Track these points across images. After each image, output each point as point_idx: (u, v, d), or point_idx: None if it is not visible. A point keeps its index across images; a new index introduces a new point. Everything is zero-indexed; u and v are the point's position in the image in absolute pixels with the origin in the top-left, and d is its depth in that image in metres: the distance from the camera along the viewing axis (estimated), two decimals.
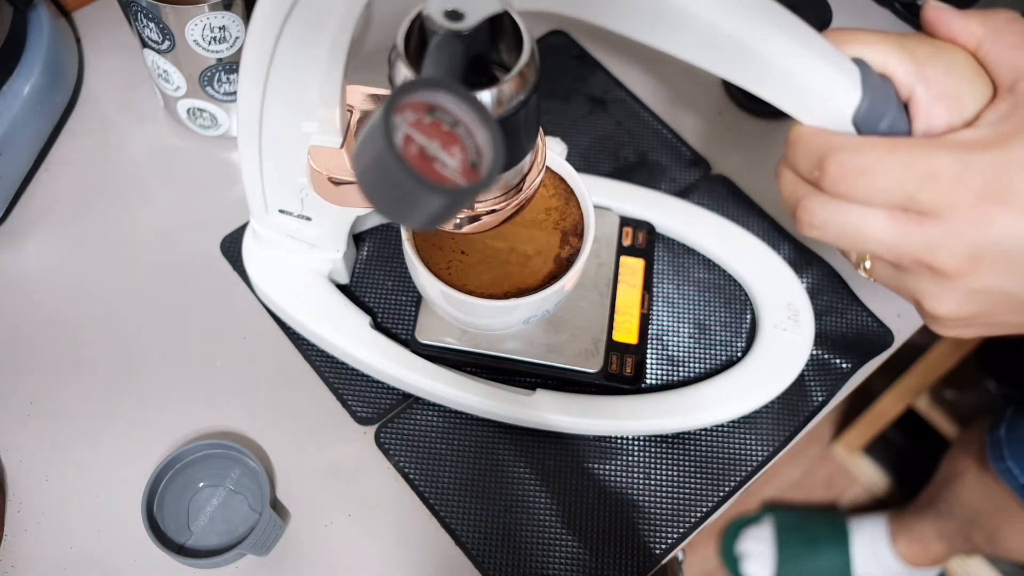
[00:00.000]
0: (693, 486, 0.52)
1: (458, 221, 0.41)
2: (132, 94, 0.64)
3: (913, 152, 0.31)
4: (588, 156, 0.63)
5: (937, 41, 0.34)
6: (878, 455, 1.32)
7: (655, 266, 0.58)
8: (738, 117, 0.66)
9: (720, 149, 0.64)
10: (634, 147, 0.64)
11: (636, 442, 0.53)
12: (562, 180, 0.49)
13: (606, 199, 0.58)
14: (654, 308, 0.57)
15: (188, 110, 0.60)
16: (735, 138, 0.65)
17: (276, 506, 0.50)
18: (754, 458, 0.53)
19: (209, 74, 0.56)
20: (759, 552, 1.22)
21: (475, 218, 0.41)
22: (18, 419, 0.52)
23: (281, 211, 0.49)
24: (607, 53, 0.68)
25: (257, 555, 0.48)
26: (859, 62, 0.33)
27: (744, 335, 0.56)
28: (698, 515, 0.51)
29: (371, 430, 0.53)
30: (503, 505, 0.51)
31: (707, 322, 0.57)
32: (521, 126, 0.36)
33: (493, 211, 0.41)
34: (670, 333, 0.56)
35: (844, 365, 0.56)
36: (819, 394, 0.55)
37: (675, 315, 0.57)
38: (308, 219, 0.49)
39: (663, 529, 0.50)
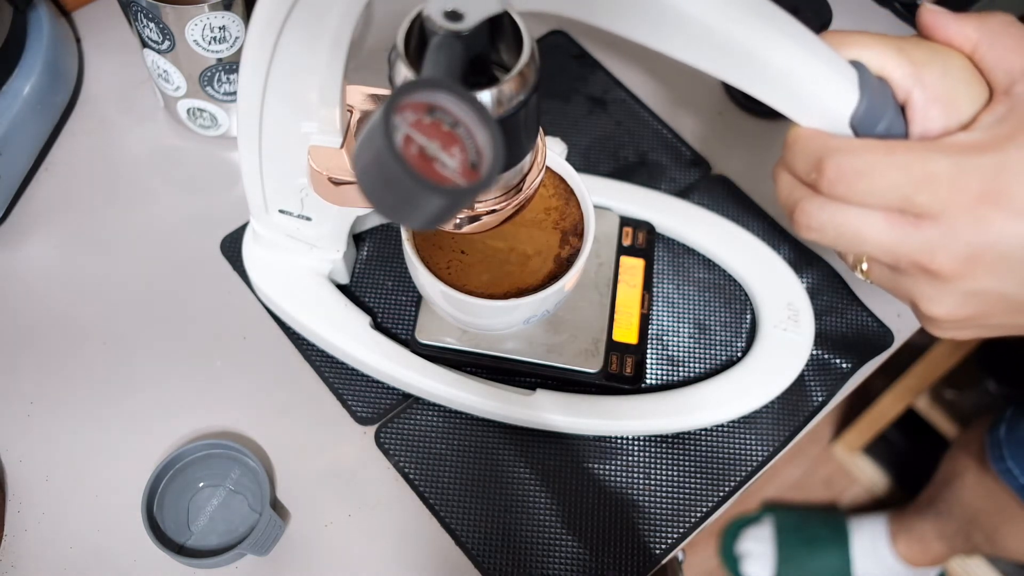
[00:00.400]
0: (693, 486, 0.52)
1: (458, 221, 0.41)
2: (132, 94, 0.64)
3: (910, 155, 0.31)
4: (588, 156, 0.63)
5: (934, 44, 0.35)
6: (878, 455, 1.32)
7: (655, 266, 0.58)
8: (738, 117, 0.66)
9: (720, 149, 0.64)
10: (634, 147, 0.63)
11: (636, 442, 0.53)
12: (562, 180, 0.49)
13: (606, 199, 0.58)
14: (654, 308, 0.57)
15: (188, 110, 0.60)
16: (735, 138, 0.65)
17: (276, 506, 0.50)
18: (754, 458, 0.53)
19: (209, 74, 0.56)
20: (759, 552, 1.22)
21: (475, 218, 0.41)
22: (18, 419, 0.52)
23: (281, 211, 0.49)
24: (607, 53, 0.68)
25: (257, 555, 0.48)
26: (857, 64, 0.33)
27: (744, 335, 0.56)
28: (698, 515, 0.51)
29: (371, 430, 0.53)
30: (503, 505, 0.51)
31: (707, 322, 0.57)
32: (521, 126, 0.36)
33: (493, 211, 0.41)
34: (670, 333, 0.56)
35: (844, 365, 0.56)
36: (819, 394, 0.55)
37: (675, 315, 0.57)
38: (308, 219, 0.49)
39: (663, 529, 0.50)
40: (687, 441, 0.53)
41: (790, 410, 0.54)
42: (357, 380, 0.54)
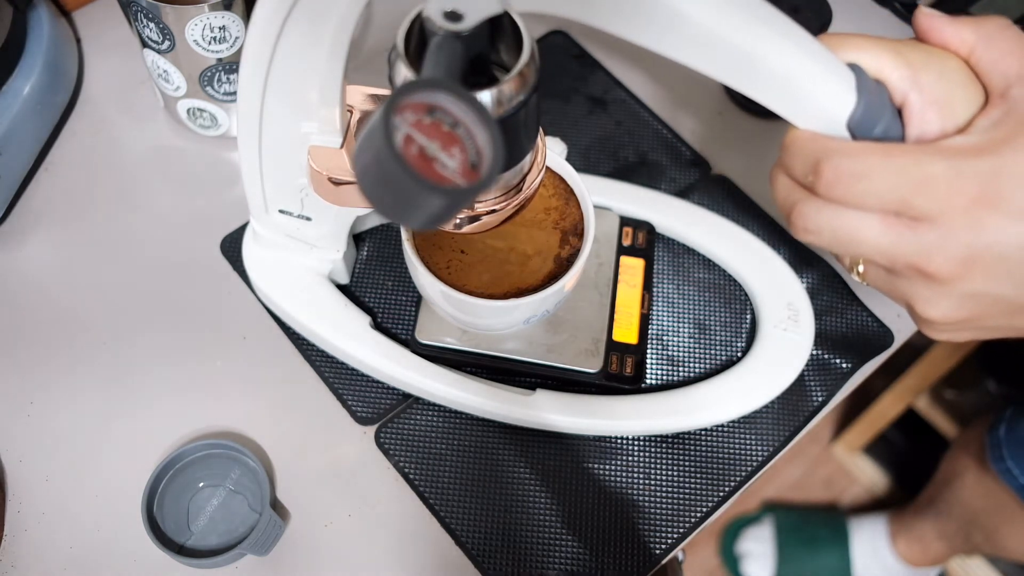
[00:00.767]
0: (693, 486, 0.52)
1: (458, 221, 0.41)
2: (132, 94, 0.64)
3: (907, 158, 0.31)
4: (588, 156, 0.63)
5: (930, 47, 0.35)
6: (878, 455, 1.32)
7: (655, 266, 0.58)
8: (738, 117, 0.66)
9: (720, 149, 0.64)
10: (634, 147, 0.64)
11: (636, 442, 0.53)
12: (562, 180, 0.49)
13: (606, 199, 0.58)
14: (654, 308, 0.57)
15: (188, 110, 0.60)
16: (735, 138, 0.65)
17: (276, 506, 0.50)
18: (754, 458, 0.53)
19: (209, 74, 0.56)
20: (759, 552, 1.22)
21: (475, 218, 0.41)
22: (18, 419, 0.52)
23: (281, 211, 0.49)
24: (607, 53, 0.68)
25: (257, 555, 0.48)
26: (854, 67, 0.33)
27: (744, 335, 0.56)
28: (698, 515, 0.51)
29: (371, 430, 0.53)
30: (503, 505, 0.51)
31: (707, 322, 0.57)
32: (521, 126, 0.36)
33: (493, 211, 0.41)
34: (670, 333, 0.56)
35: (844, 365, 0.56)
36: (819, 394, 0.55)
37: (675, 315, 0.57)
38: (308, 219, 0.49)
39: (663, 529, 0.50)
40: (687, 441, 0.53)
41: (790, 410, 0.54)
42: (357, 380, 0.54)
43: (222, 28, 0.53)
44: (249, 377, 0.54)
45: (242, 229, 0.58)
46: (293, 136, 0.43)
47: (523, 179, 0.41)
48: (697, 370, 0.55)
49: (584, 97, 0.66)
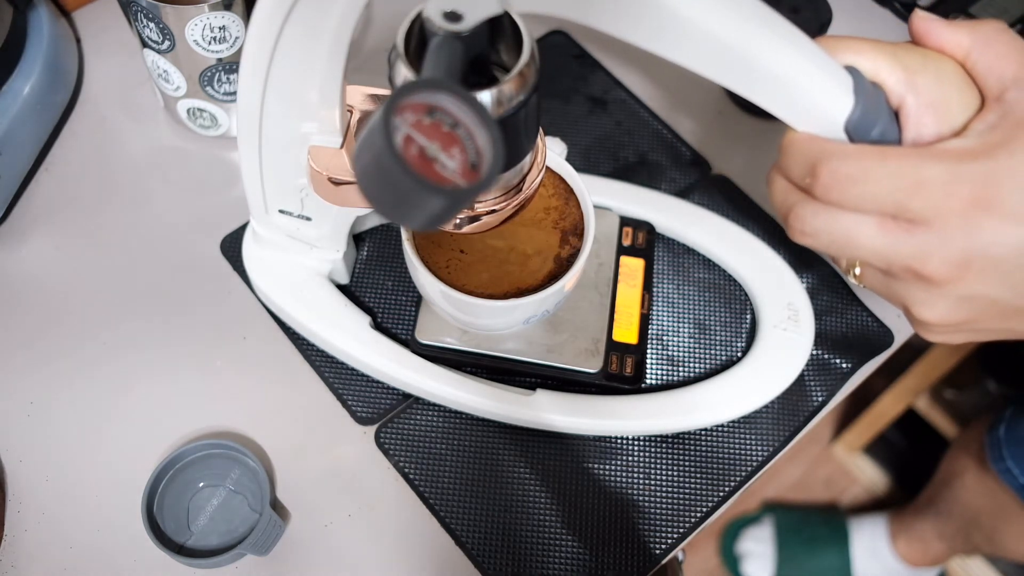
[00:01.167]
0: (693, 486, 0.52)
1: (458, 221, 0.41)
2: (132, 94, 0.64)
3: (904, 161, 0.31)
4: (588, 156, 0.63)
5: (927, 51, 0.35)
6: (878, 455, 1.32)
7: (655, 266, 0.58)
8: (738, 117, 0.66)
9: (720, 149, 0.64)
10: (634, 147, 0.64)
11: (636, 442, 0.53)
12: (562, 180, 0.49)
13: (606, 199, 0.58)
14: (654, 308, 0.57)
15: (188, 110, 0.60)
16: (735, 138, 0.65)
17: (276, 506, 0.50)
18: (754, 458, 0.53)
19: (209, 74, 0.56)
20: (759, 552, 1.22)
21: (475, 218, 0.41)
22: (18, 419, 0.52)
23: (281, 211, 0.49)
24: (607, 53, 0.68)
25: (257, 555, 0.48)
26: (852, 70, 0.34)
27: (744, 335, 0.56)
28: (698, 515, 0.51)
29: (371, 430, 0.53)
30: (503, 505, 0.51)
31: (707, 322, 0.57)
32: (521, 126, 0.36)
33: (493, 211, 0.41)
34: (670, 333, 0.56)
35: (844, 365, 0.56)
36: (819, 394, 0.55)
37: (675, 315, 0.57)
38: (308, 219, 0.49)
39: (663, 529, 0.50)
40: (687, 441, 0.53)
41: (790, 410, 0.54)
42: (357, 380, 0.54)
43: (222, 28, 0.53)
44: (249, 377, 0.54)
45: (242, 229, 0.58)
46: (293, 136, 0.43)
47: (523, 179, 0.41)
48: (697, 370, 0.55)
49: (584, 97, 0.66)
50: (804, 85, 0.32)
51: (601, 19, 0.31)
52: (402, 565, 0.49)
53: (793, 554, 1.21)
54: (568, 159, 0.49)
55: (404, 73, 0.33)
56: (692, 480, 0.52)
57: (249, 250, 0.54)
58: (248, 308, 0.56)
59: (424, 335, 0.52)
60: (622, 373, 0.52)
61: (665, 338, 0.56)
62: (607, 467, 0.52)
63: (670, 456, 0.52)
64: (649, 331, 0.56)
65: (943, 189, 0.31)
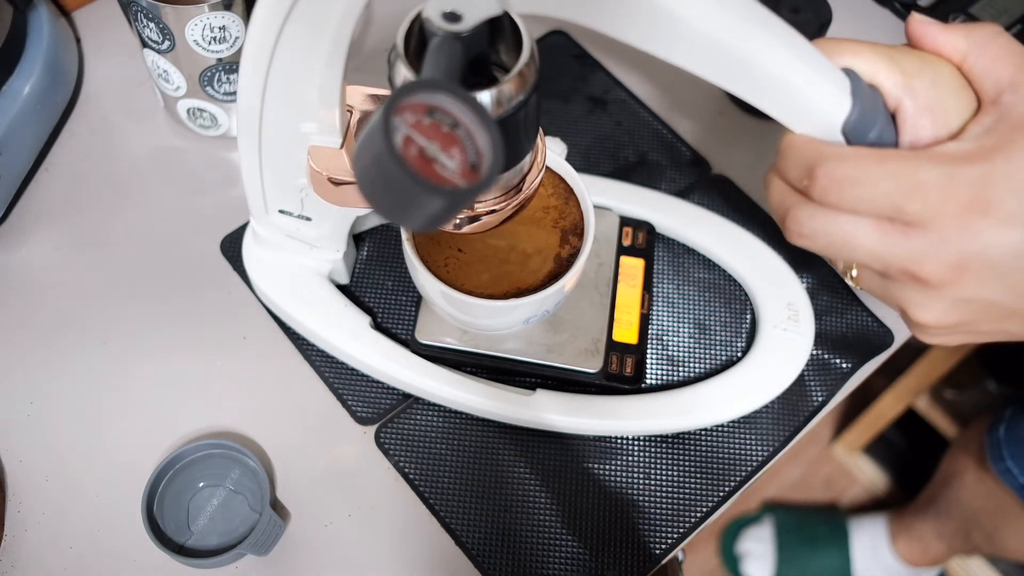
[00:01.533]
0: (693, 486, 0.52)
1: (458, 221, 0.41)
2: (132, 94, 0.64)
3: (901, 164, 0.31)
4: (588, 156, 0.63)
5: (923, 54, 0.35)
6: (878, 455, 1.32)
7: (655, 266, 0.58)
8: (738, 117, 0.66)
9: (720, 149, 0.64)
10: (634, 147, 0.64)
11: (636, 442, 0.53)
12: (561, 179, 0.49)
13: (606, 199, 0.58)
14: (654, 308, 0.57)
15: (188, 110, 0.60)
16: (735, 138, 0.65)
17: (276, 506, 0.50)
18: (754, 458, 0.53)
19: (209, 74, 0.56)
20: (759, 552, 1.22)
21: (475, 218, 0.41)
22: (18, 419, 0.52)
23: (281, 211, 0.49)
24: (607, 53, 0.68)
25: (257, 555, 0.48)
26: (849, 72, 0.34)
27: (744, 335, 0.56)
28: (698, 515, 0.51)
29: (371, 430, 0.53)
30: (503, 505, 0.51)
31: (707, 322, 0.57)
32: (521, 126, 0.36)
33: (493, 211, 0.41)
34: (670, 333, 0.56)
35: (844, 365, 0.56)
36: (819, 394, 0.55)
37: (675, 315, 0.57)
38: (308, 219, 0.49)
39: (663, 529, 0.50)
40: (687, 441, 0.53)
41: (790, 410, 0.54)
42: (357, 380, 0.54)
43: (222, 28, 0.53)
44: (249, 377, 0.54)
45: (242, 229, 0.58)
46: (293, 136, 0.43)
47: (523, 179, 0.41)
48: (697, 370, 0.55)
49: (584, 97, 0.66)
50: (802, 87, 0.32)
51: (599, 20, 0.31)
52: (402, 565, 0.49)
53: (793, 554, 1.21)
54: (568, 159, 0.49)
55: (404, 73, 0.33)
56: (692, 480, 0.52)
57: (249, 250, 0.54)
58: (248, 308, 0.56)
59: (424, 335, 0.53)
60: (622, 373, 0.52)
61: (665, 338, 0.56)
62: (607, 467, 0.52)
63: (670, 456, 0.53)
64: (649, 331, 0.56)
65: (940, 192, 0.31)
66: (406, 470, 0.51)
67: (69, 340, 0.55)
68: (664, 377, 0.55)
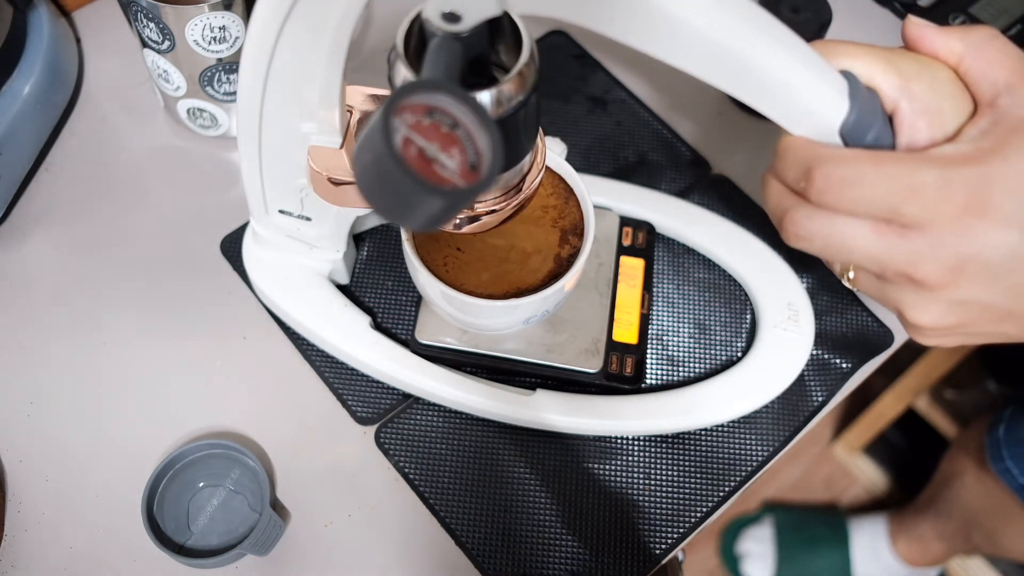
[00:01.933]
0: (693, 486, 0.52)
1: (458, 221, 0.41)
2: (132, 94, 0.64)
3: (898, 166, 0.32)
4: (588, 156, 0.63)
5: (920, 56, 0.35)
6: (878, 455, 1.32)
7: (655, 266, 0.58)
8: (738, 117, 0.66)
9: (720, 149, 0.64)
10: (634, 147, 0.64)
11: (636, 442, 0.53)
12: (561, 179, 0.49)
13: (606, 199, 0.58)
14: (654, 308, 0.57)
15: (188, 110, 0.60)
16: (735, 138, 0.65)
17: (276, 506, 0.50)
18: (754, 458, 0.53)
19: (209, 74, 0.56)
20: (759, 552, 1.22)
21: (475, 218, 0.41)
22: (18, 419, 0.52)
23: (281, 211, 0.49)
24: (607, 53, 0.68)
25: (257, 555, 0.48)
26: (847, 75, 0.34)
27: (744, 335, 0.56)
28: (698, 515, 0.51)
29: (371, 430, 0.53)
30: (503, 505, 0.51)
31: (707, 322, 0.57)
32: (520, 127, 0.36)
33: (493, 211, 0.41)
34: (670, 333, 0.56)
35: (844, 365, 0.56)
36: (819, 394, 0.55)
37: (675, 315, 0.57)
38: (308, 219, 0.49)
39: (663, 529, 0.50)
40: (687, 441, 0.53)
41: (790, 410, 0.54)
42: (357, 380, 0.54)
43: (222, 28, 0.53)
44: (249, 377, 0.54)
45: (242, 229, 0.58)
46: (293, 136, 0.43)
47: (523, 179, 0.41)
48: (697, 370, 0.55)
49: (584, 97, 0.66)
50: (800, 89, 0.33)
51: (598, 21, 0.31)
52: (402, 565, 0.49)
53: (793, 554, 1.21)
54: (568, 159, 0.49)
55: (404, 73, 0.33)
56: (692, 480, 0.52)
57: (249, 250, 0.54)
58: (248, 308, 0.56)
59: (424, 335, 0.53)
60: (622, 373, 0.52)
61: (665, 338, 0.56)
62: (607, 467, 0.52)
63: (670, 456, 0.53)
64: (649, 331, 0.56)
65: (937, 194, 0.31)
66: (406, 470, 0.51)
67: (69, 340, 0.55)
68: (664, 377, 0.55)
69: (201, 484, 0.50)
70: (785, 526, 1.23)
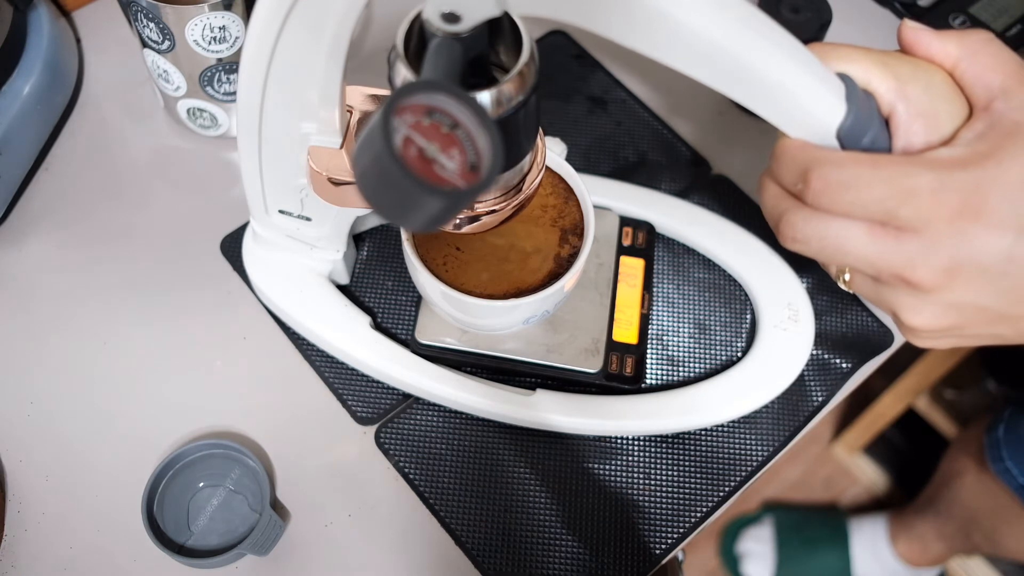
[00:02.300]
0: (693, 486, 0.52)
1: (457, 221, 0.41)
2: (132, 94, 0.64)
3: (894, 169, 0.32)
4: (588, 156, 0.63)
5: (916, 60, 0.36)
6: (878, 455, 1.32)
7: (655, 266, 0.58)
8: (738, 117, 0.66)
9: (720, 149, 0.64)
10: (634, 147, 0.64)
11: (636, 442, 0.53)
12: (561, 179, 0.49)
13: (606, 199, 0.58)
14: (654, 308, 0.57)
15: (188, 110, 0.60)
16: (735, 138, 0.65)
17: (276, 506, 0.50)
18: (754, 458, 0.53)
19: (209, 74, 0.56)
20: (759, 552, 1.22)
21: (475, 218, 0.41)
22: (18, 419, 0.52)
23: (281, 211, 0.49)
24: (607, 53, 0.68)
25: (257, 555, 0.48)
26: (844, 78, 0.34)
27: (744, 335, 0.56)
28: (698, 515, 0.51)
29: (371, 430, 0.53)
30: (503, 505, 0.51)
31: (707, 322, 0.57)
32: (520, 127, 0.36)
33: (493, 211, 0.41)
34: (670, 333, 0.56)
35: (844, 365, 0.56)
36: (819, 394, 0.55)
37: (675, 315, 0.57)
38: (308, 219, 0.49)
39: (663, 529, 0.50)
40: (687, 441, 0.53)
41: (790, 410, 0.54)
42: (357, 380, 0.54)
43: (222, 28, 0.53)
44: (249, 377, 0.54)
45: (242, 229, 0.58)
46: (293, 136, 0.43)
47: (523, 179, 0.41)
48: (697, 370, 0.55)
49: (584, 97, 0.66)
50: (797, 91, 0.33)
51: (596, 22, 0.31)
52: (402, 565, 0.49)
53: (793, 554, 1.21)
54: (568, 159, 0.49)
55: (404, 74, 0.33)
56: (692, 480, 0.52)
57: (249, 250, 0.54)
58: (248, 308, 0.56)
59: (424, 335, 0.53)
60: (622, 373, 0.52)
61: (665, 338, 0.56)
62: (607, 467, 0.52)
63: (670, 456, 0.53)
64: (649, 331, 0.56)
65: (932, 197, 0.31)
66: (406, 470, 0.51)
67: (69, 340, 0.55)
68: (664, 377, 0.55)
69: (201, 484, 0.50)
70: (785, 526, 1.23)
